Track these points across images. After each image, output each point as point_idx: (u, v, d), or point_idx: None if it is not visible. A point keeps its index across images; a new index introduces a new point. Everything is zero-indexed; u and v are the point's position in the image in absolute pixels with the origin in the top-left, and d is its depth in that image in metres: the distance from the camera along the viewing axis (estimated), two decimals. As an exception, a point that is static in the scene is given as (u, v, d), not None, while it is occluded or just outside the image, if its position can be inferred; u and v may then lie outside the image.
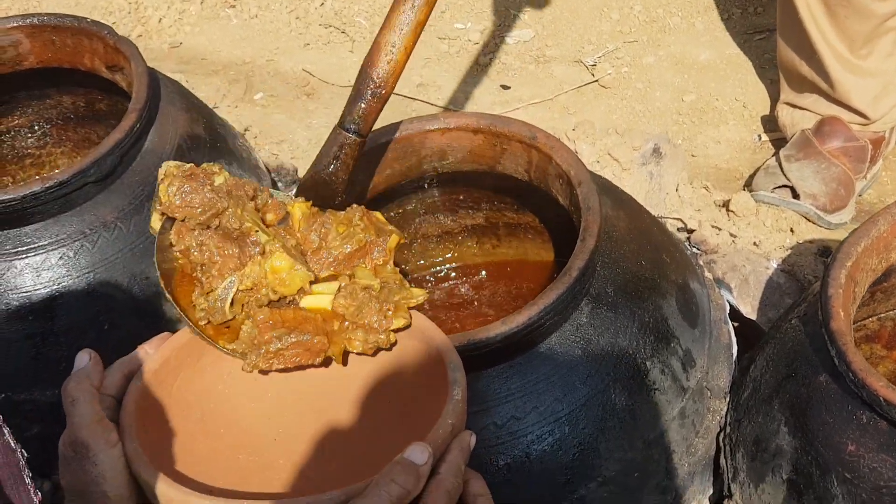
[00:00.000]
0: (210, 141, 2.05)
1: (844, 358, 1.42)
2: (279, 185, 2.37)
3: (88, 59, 2.09)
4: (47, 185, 1.76)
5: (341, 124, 1.55)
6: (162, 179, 1.34)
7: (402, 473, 1.08)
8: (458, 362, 1.29)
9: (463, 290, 2.04)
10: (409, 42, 1.52)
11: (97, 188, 1.83)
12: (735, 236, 2.32)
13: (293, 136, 3.07)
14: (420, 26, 1.51)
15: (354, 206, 1.41)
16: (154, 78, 2.01)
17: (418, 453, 1.10)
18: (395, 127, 1.78)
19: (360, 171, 1.76)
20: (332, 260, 1.39)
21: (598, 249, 1.55)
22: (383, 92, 1.53)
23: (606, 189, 1.78)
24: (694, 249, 2.24)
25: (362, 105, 1.53)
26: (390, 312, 1.34)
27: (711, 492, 1.70)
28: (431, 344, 1.33)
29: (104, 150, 1.81)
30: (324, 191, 1.57)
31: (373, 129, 1.59)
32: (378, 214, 1.44)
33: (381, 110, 1.55)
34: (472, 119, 1.78)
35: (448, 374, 1.27)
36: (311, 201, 1.40)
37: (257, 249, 1.33)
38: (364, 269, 1.39)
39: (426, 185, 1.91)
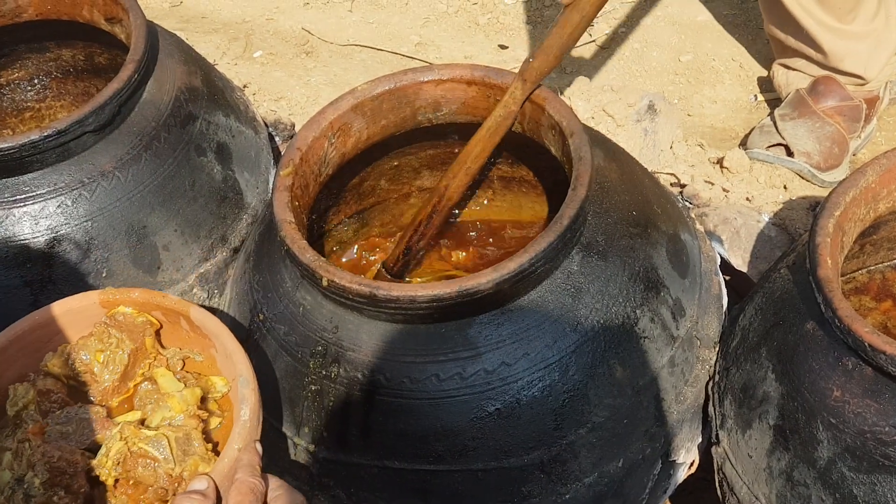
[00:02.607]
0: (208, 93, 2.06)
1: (831, 305, 1.44)
2: (276, 139, 2.38)
3: (87, 11, 2.09)
4: (46, 134, 1.77)
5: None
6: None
7: (186, 498, 1.25)
8: (248, 375, 1.29)
9: (457, 240, 2.05)
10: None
11: (95, 137, 1.84)
12: (728, 191, 2.33)
13: (292, 94, 3.08)
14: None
15: (102, 320, 1.48)
16: (152, 30, 2.02)
17: (198, 484, 1.28)
18: (389, 78, 1.79)
19: (356, 120, 1.77)
20: (110, 388, 1.43)
21: (589, 198, 1.56)
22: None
23: (599, 141, 1.79)
24: (686, 202, 2.25)
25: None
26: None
27: (700, 439, 1.72)
28: (228, 355, 1.34)
29: (102, 100, 1.82)
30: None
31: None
32: (124, 302, 1.50)
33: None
34: (466, 71, 1.79)
35: (238, 389, 1.27)
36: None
37: None
38: (165, 378, 1.43)
39: (421, 138, 1.92)
